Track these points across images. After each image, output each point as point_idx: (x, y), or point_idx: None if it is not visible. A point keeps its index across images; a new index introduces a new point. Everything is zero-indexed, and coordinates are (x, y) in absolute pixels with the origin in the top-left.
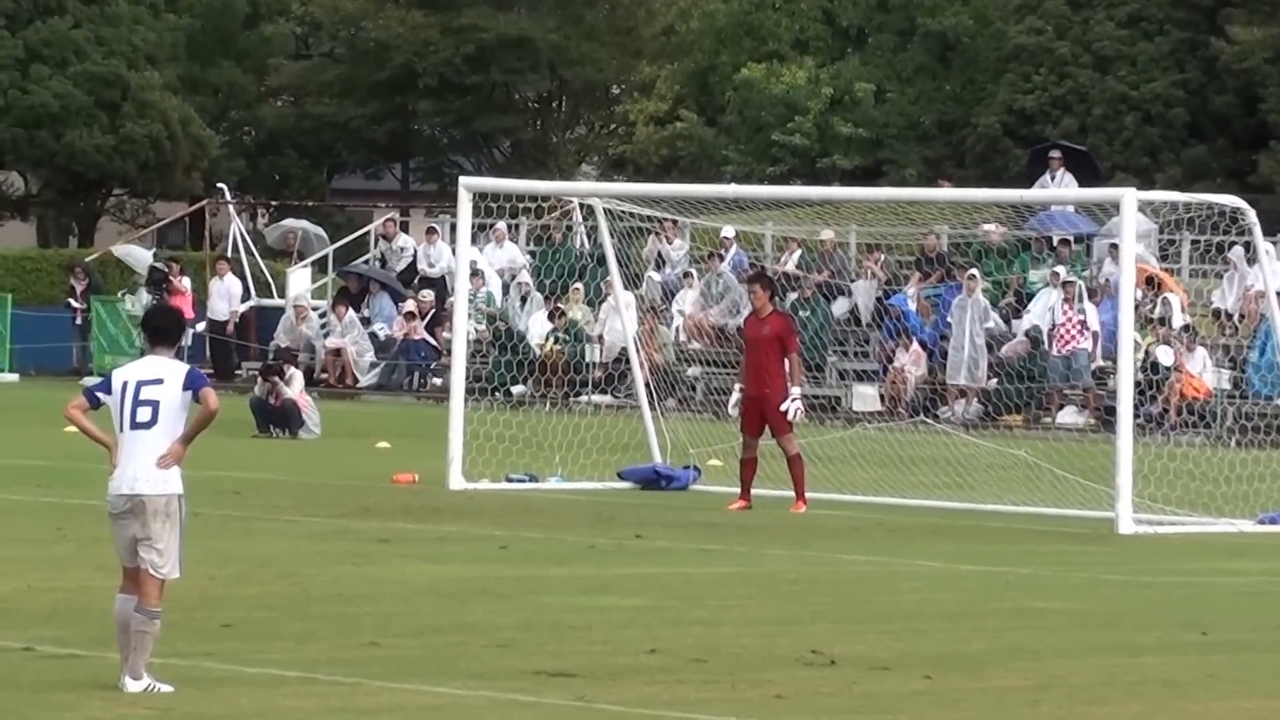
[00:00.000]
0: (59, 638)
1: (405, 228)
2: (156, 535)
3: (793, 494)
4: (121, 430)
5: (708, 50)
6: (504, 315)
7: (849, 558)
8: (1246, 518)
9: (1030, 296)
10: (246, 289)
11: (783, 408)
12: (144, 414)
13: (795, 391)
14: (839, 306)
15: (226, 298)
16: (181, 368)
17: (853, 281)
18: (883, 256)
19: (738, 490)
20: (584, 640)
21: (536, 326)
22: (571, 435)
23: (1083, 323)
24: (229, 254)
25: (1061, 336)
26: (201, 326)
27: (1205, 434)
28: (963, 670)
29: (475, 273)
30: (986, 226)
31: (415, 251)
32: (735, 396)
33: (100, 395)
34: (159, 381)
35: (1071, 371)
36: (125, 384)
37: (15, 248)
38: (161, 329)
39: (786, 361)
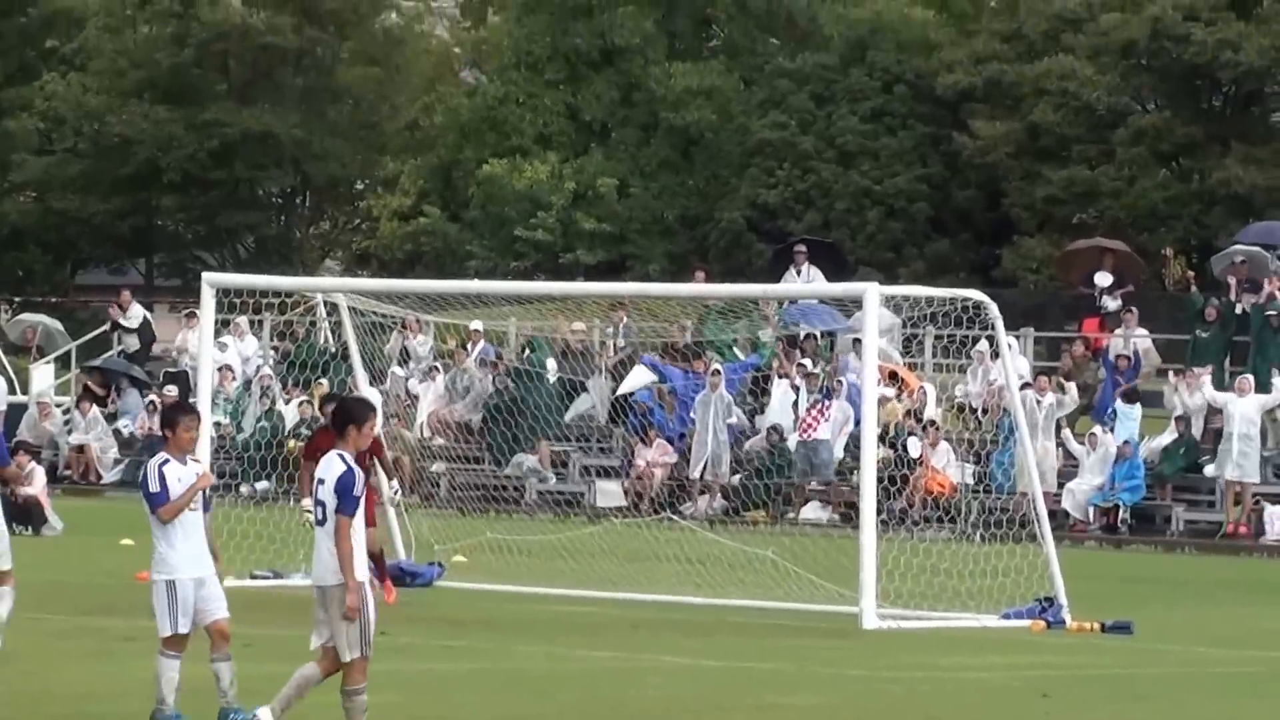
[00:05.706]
0: None
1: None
2: None
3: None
4: None
5: (451, 145)
6: (246, 410)
7: (594, 653)
8: (990, 612)
9: (767, 385)
10: (11, 385)
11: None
12: None
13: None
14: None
15: None
16: None
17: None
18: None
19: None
20: None
21: (280, 422)
22: None
23: (825, 414)
24: None
25: (805, 425)
26: None
27: (950, 529)
28: None
29: (222, 368)
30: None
31: (145, 318)
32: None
33: None
34: None
35: (814, 465)
36: None
37: None
38: None
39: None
